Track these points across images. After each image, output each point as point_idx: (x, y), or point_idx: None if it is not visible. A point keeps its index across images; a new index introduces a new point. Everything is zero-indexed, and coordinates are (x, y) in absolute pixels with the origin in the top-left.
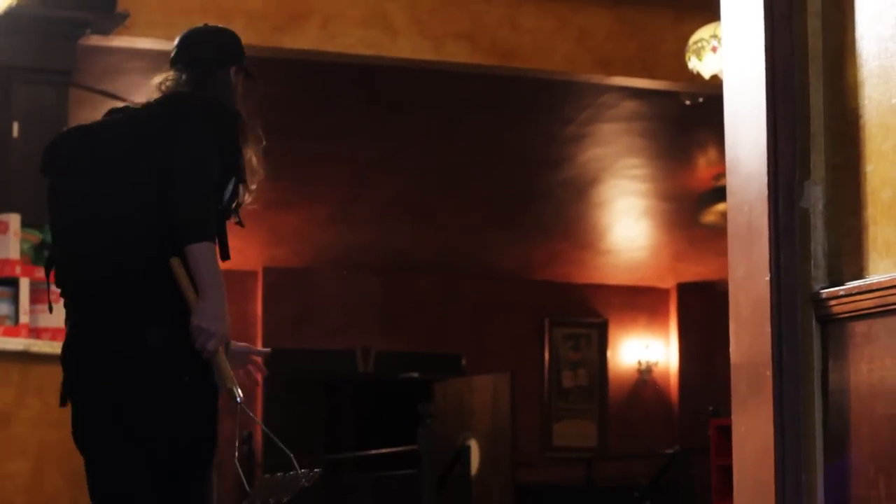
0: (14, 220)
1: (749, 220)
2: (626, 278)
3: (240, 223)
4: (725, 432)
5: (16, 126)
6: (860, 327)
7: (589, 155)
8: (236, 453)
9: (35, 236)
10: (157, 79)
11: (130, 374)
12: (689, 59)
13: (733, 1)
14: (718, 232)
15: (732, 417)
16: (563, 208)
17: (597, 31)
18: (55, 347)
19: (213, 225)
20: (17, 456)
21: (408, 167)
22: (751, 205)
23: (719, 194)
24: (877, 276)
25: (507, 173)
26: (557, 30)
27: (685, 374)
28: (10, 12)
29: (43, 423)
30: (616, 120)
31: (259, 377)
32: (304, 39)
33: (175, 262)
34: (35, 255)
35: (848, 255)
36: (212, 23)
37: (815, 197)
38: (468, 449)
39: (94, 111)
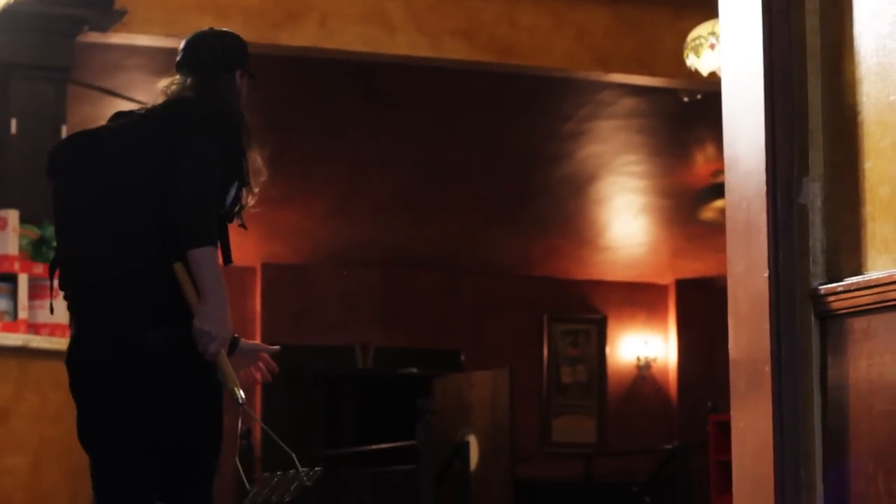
0: (13, 216)
1: (748, 216)
2: (624, 274)
3: (242, 226)
4: (724, 428)
5: (14, 122)
6: (859, 323)
7: (587, 152)
8: (237, 450)
9: (34, 232)
10: (163, 83)
11: (133, 375)
12: (688, 56)
13: None
14: (717, 228)
15: (731, 413)
16: (561, 205)
17: (595, 28)
18: (54, 343)
19: (214, 228)
20: (16, 451)
21: (406, 163)
22: (749, 201)
23: (718, 191)
24: (875, 272)
25: (506, 170)
26: (555, 27)
27: (684, 369)
28: (8, 9)
29: (42, 418)
30: (614, 117)
31: (259, 376)
32: (302, 36)
33: (178, 267)
34: (34, 251)
35: (846, 251)
36: (209, 19)
37: (814, 193)
38: (467, 444)
39: (92, 108)
